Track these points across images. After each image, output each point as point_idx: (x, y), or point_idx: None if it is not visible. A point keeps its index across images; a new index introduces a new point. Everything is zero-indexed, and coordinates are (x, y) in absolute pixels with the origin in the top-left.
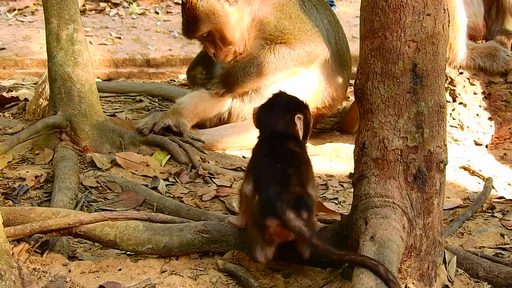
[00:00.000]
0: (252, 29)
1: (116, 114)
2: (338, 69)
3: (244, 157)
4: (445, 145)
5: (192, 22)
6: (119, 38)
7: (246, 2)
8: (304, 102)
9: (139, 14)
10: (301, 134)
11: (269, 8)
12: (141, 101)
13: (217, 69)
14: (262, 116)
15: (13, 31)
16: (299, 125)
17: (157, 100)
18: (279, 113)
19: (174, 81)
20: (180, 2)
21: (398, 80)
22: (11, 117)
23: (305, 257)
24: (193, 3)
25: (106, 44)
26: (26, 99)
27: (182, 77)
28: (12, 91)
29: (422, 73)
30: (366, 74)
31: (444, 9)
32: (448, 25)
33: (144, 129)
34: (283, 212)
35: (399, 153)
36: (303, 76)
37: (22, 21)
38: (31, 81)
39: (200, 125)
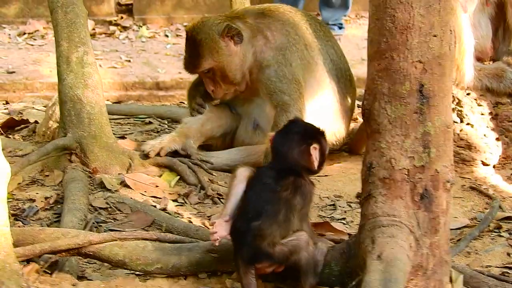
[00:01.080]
0: (253, 70)
1: (125, 136)
2: (342, 108)
3: None
4: (452, 164)
5: (194, 58)
6: (129, 61)
7: (250, 43)
8: (321, 130)
9: (149, 37)
10: (316, 164)
11: (272, 51)
12: (150, 123)
13: None
14: (278, 143)
15: (23, 55)
16: (315, 155)
17: (166, 122)
18: (294, 142)
19: (184, 103)
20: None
21: (405, 101)
22: (21, 139)
23: None
24: (197, 39)
25: (115, 67)
26: (36, 122)
27: None
28: (22, 114)
29: (428, 94)
30: (374, 95)
31: (450, 30)
32: (455, 46)
33: (151, 151)
34: (240, 261)
35: (406, 173)
36: None
37: (32, 45)
38: (41, 104)
39: (207, 146)
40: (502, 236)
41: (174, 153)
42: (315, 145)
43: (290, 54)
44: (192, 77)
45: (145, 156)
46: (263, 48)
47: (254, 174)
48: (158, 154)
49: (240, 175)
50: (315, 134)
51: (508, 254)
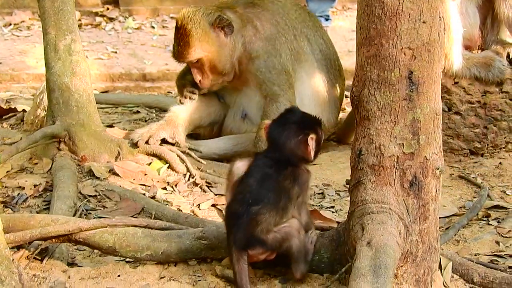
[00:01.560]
0: (243, 60)
1: (114, 125)
2: (331, 98)
3: None
4: (441, 151)
5: (183, 47)
6: (115, 52)
7: (239, 33)
8: (318, 119)
9: (135, 28)
10: (312, 154)
11: (262, 41)
12: (138, 112)
13: None
14: (274, 132)
15: (9, 46)
16: (312, 145)
17: (154, 111)
18: (291, 132)
19: (171, 93)
20: (176, 17)
21: (394, 87)
22: (10, 128)
23: (296, 277)
24: (187, 29)
25: (102, 59)
26: (24, 110)
27: None
28: (9, 102)
29: (418, 80)
30: (363, 82)
31: (439, 17)
32: (444, 33)
33: (140, 140)
34: (233, 247)
35: (395, 160)
36: None
37: (18, 36)
38: (28, 93)
39: (195, 135)
40: (491, 225)
41: (163, 141)
42: (312, 135)
43: (280, 45)
44: (179, 68)
45: (134, 145)
46: (253, 38)
47: (253, 162)
48: (147, 143)
49: (237, 169)
50: (312, 124)
51: (497, 242)
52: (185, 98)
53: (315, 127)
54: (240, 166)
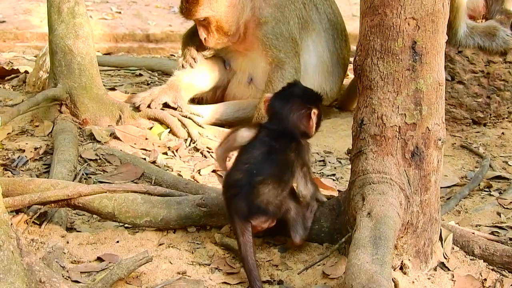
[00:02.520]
0: (250, 25)
1: (116, 88)
2: (335, 68)
3: None
4: (443, 122)
5: (192, 4)
6: (119, 13)
7: None
8: (319, 95)
9: None
10: (314, 128)
11: (271, 8)
12: (140, 75)
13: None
14: (276, 106)
15: (14, 4)
16: (314, 120)
17: (156, 74)
18: (294, 106)
19: (174, 56)
20: None
21: (397, 57)
22: (11, 89)
23: (295, 242)
24: None
25: (106, 19)
26: (26, 72)
27: None
28: (12, 63)
29: (421, 51)
30: (366, 51)
31: None
32: (448, 3)
33: (141, 104)
34: (236, 218)
35: (397, 130)
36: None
37: None
38: (31, 54)
39: (198, 100)
40: (492, 195)
41: (165, 105)
42: (314, 110)
43: (289, 12)
44: (183, 30)
45: (136, 108)
46: (262, 4)
47: (256, 134)
48: (148, 107)
49: (241, 137)
50: (314, 99)
51: (498, 214)
52: (186, 62)
53: (317, 103)
54: (245, 135)
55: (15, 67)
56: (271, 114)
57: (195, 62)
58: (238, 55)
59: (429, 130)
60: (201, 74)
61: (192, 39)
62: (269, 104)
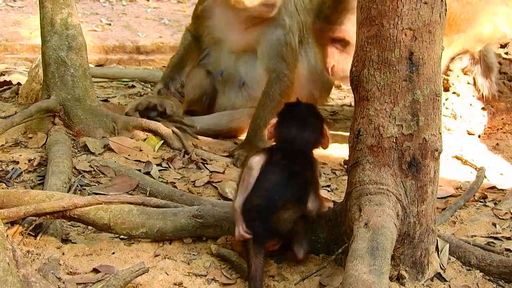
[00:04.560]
0: (264, 20)
1: (108, 99)
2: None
3: (236, 143)
4: (440, 133)
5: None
6: (109, 24)
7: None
8: (315, 107)
9: (129, 1)
10: (329, 142)
11: (289, 16)
12: (133, 86)
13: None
14: (287, 129)
15: (3, 16)
16: (328, 134)
17: (149, 86)
18: (307, 127)
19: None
20: None
21: (394, 68)
22: (4, 101)
23: (299, 258)
24: None
25: (96, 31)
26: (19, 83)
27: None
28: (4, 75)
29: (418, 61)
30: (362, 62)
31: None
32: (445, 14)
33: (129, 110)
34: (252, 241)
35: (394, 141)
36: None
37: (12, 6)
38: (23, 66)
39: (191, 112)
40: (487, 206)
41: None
42: (325, 126)
43: (297, 25)
44: (173, 42)
45: (125, 115)
46: (283, 9)
47: (270, 158)
48: (136, 110)
49: (256, 165)
50: (319, 114)
51: (493, 224)
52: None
53: (321, 115)
54: (257, 161)
55: (7, 79)
56: (281, 138)
57: (178, 94)
58: (231, 56)
59: (426, 141)
60: (191, 79)
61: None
62: (277, 128)
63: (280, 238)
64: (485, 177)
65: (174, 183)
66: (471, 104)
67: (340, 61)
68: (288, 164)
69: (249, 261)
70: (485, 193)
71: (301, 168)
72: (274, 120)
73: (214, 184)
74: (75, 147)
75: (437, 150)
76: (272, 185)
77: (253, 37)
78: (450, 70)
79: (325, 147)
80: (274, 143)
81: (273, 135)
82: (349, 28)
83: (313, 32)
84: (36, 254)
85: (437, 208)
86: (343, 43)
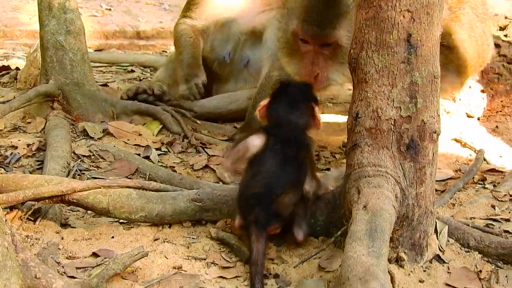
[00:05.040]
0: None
1: (108, 84)
2: None
3: (235, 127)
4: (439, 115)
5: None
6: (109, 10)
7: None
8: (310, 85)
9: None
10: (320, 123)
11: None
12: (132, 71)
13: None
14: (277, 111)
15: (2, 2)
16: (319, 115)
17: (148, 70)
18: (297, 108)
19: (166, 52)
20: None
21: (392, 50)
22: (2, 86)
23: (298, 240)
24: None
25: (96, 16)
26: (17, 68)
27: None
28: (2, 60)
29: (416, 43)
30: (361, 44)
31: None
32: None
33: (123, 95)
34: (248, 226)
35: (393, 123)
36: None
37: None
38: (21, 51)
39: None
40: (487, 188)
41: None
42: (316, 106)
43: None
44: (172, 27)
45: (127, 101)
46: None
47: (266, 143)
48: (128, 96)
49: (253, 146)
50: (311, 93)
51: (492, 206)
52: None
53: (313, 96)
54: (256, 143)
55: (5, 64)
56: (272, 120)
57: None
58: (241, 37)
59: (424, 123)
60: None
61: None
62: (268, 110)
63: (281, 222)
64: (484, 159)
65: (174, 167)
66: (470, 87)
67: (325, 69)
68: (282, 147)
69: (251, 246)
70: (484, 175)
71: (295, 151)
72: (266, 100)
73: (212, 167)
74: (74, 131)
75: (435, 132)
76: (268, 172)
77: (263, 21)
78: None
79: (316, 128)
80: (267, 124)
81: (264, 115)
82: (341, 33)
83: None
84: (35, 238)
85: (436, 190)
86: (331, 48)
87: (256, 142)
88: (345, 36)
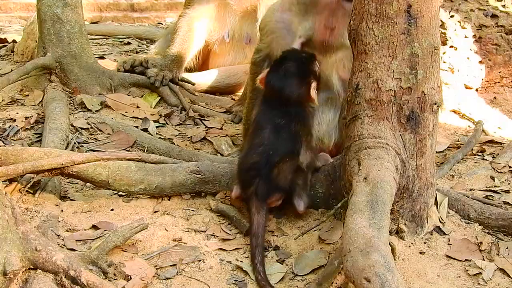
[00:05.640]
0: None
1: (105, 56)
2: None
3: (233, 99)
4: (439, 86)
5: None
6: None
7: None
8: (313, 55)
9: None
10: (316, 99)
11: None
12: (129, 43)
13: None
14: (275, 83)
15: None
16: (314, 93)
17: (145, 42)
18: (293, 82)
19: (161, 23)
20: None
21: (392, 21)
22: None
23: (299, 211)
24: None
25: None
26: (14, 41)
27: (169, 20)
28: None
29: (416, 14)
30: (361, 15)
31: None
32: None
33: (119, 67)
34: (249, 199)
35: (393, 94)
36: None
37: None
38: (18, 23)
39: (187, 68)
40: (486, 160)
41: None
42: (313, 83)
43: None
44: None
45: (124, 73)
46: None
47: (260, 112)
48: (124, 69)
49: None
50: (310, 66)
51: (492, 178)
52: None
53: (313, 70)
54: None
55: (2, 37)
56: (270, 90)
57: None
58: (236, 16)
59: (424, 94)
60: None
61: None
62: (267, 77)
63: (281, 194)
64: (483, 130)
65: (172, 139)
66: (468, 58)
67: (342, 25)
68: (278, 119)
69: (251, 218)
70: (483, 147)
71: (291, 122)
72: (263, 75)
73: (210, 140)
74: (72, 104)
75: (436, 104)
76: (264, 141)
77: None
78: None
79: (313, 103)
80: (265, 94)
81: (263, 84)
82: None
83: None
84: (35, 211)
85: (436, 162)
86: None
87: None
88: None
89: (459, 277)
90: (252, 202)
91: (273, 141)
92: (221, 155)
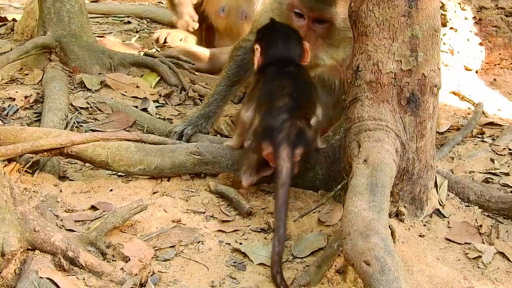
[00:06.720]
0: None
1: (104, 36)
2: None
3: None
4: (439, 69)
5: None
6: None
7: None
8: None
9: None
10: (308, 58)
11: None
12: (129, 22)
13: None
14: (271, 47)
15: None
16: (308, 51)
17: (145, 22)
18: (291, 42)
19: (162, 3)
20: None
21: (393, 3)
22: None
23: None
24: None
25: None
26: (14, 20)
27: None
28: None
29: None
30: None
31: None
32: None
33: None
34: (278, 146)
35: (393, 77)
36: None
37: None
38: (18, 2)
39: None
40: (485, 142)
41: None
42: (306, 42)
43: None
44: None
45: (124, 53)
46: None
47: (267, 75)
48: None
49: (247, 118)
50: (295, 30)
51: (491, 160)
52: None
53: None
54: (250, 115)
55: (2, 15)
56: (268, 58)
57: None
58: None
59: (425, 76)
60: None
61: None
62: (263, 53)
63: (307, 146)
64: (483, 112)
65: (171, 119)
66: (468, 40)
67: (315, 47)
68: (285, 72)
69: (280, 165)
70: (483, 129)
71: (302, 76)
72: (258, 46)
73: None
74: (71, 83)
75: (436, 86)
76: (284, 92)
77: None
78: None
79: (306, 61)
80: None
81: (262, 60)
82: (337, 12)
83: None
84: (34, 191)
85: (435, 144)
86: (325, 26)
87: (249, 114)
88: (341, 17)
89: (459, 260)
90: (282, 149)
91: (291, 90)
92: (221, 135)
